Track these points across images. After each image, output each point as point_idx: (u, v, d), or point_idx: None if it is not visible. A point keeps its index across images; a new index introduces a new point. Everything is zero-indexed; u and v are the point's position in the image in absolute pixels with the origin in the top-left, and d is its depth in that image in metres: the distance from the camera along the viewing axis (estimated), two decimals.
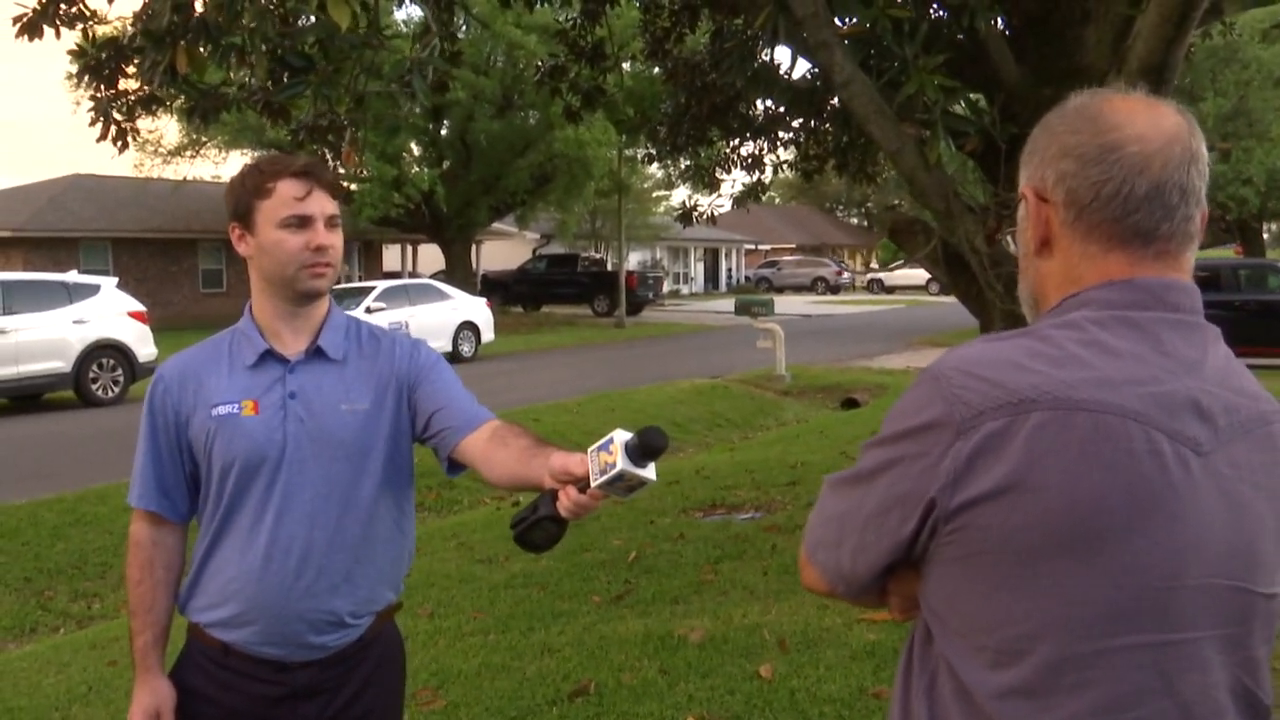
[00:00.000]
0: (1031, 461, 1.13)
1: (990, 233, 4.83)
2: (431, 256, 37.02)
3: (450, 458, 2.12)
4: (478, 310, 22.04)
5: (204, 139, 29.32)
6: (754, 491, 8.45)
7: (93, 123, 5.86)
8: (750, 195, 10.26)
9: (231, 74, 5.46)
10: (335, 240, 2.13)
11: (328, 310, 2.21)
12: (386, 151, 26.72)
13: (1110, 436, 1.13)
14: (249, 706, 2.12)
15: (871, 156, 8.74)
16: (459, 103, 27.05)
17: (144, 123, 6.54)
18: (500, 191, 30.64)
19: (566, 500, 1.73)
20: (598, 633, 5.08)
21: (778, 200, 70.50)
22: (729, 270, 56.33)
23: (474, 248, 35.37)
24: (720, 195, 10.62)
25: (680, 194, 61.12)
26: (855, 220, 75.27)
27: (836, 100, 7.31)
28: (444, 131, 30.60)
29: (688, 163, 10.14)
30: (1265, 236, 43.77)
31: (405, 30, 21.18)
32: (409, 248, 38.29)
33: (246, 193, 2.11)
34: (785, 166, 10.77)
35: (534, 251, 40.94)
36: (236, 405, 2.11)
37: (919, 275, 44.34)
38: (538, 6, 8.58)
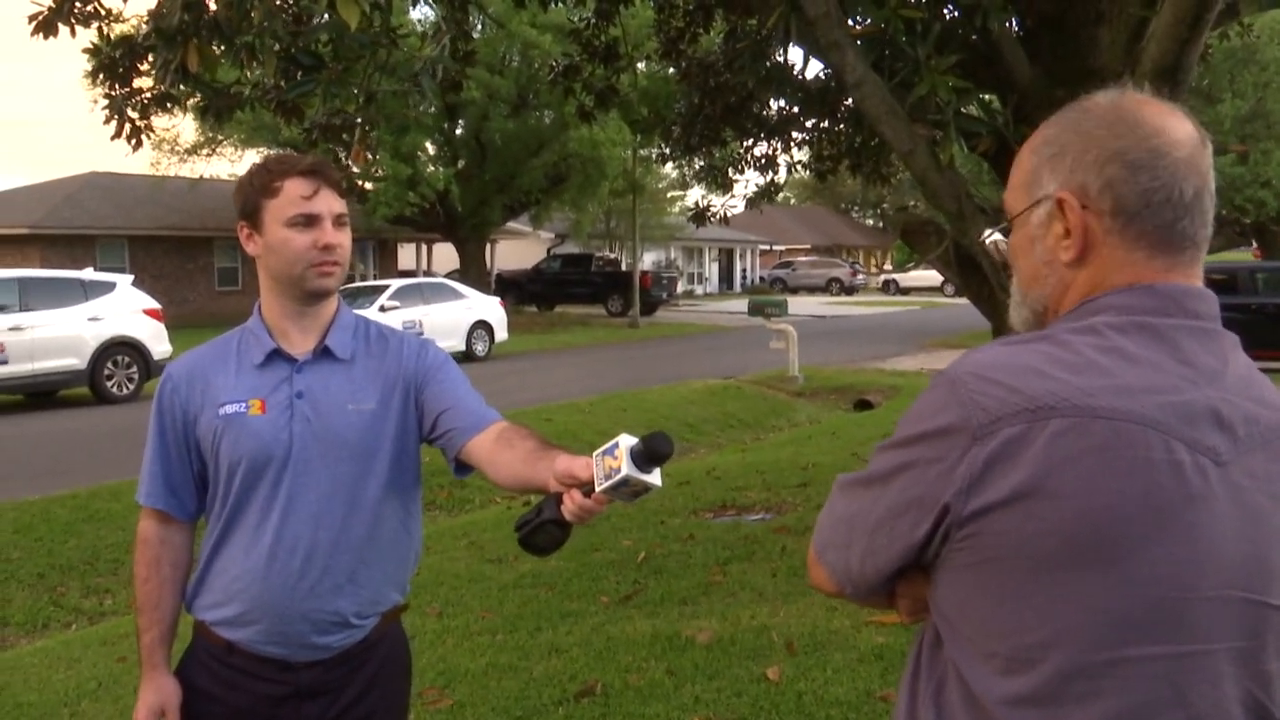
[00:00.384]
0: (1049, 469, 1.12)
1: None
2: (446, 255, 37.10)
3: (457, 459, 2.12)
4: (492, 309, 22.06)
5: (220, 137, 29.47)
6: (765, 493, 8.43)
7: (107, 120, 5.88)
8: (764, 196, 10.25)
9: (247, 73, 5.48)
10: (343, 239, 2.13)
11: (336, 310, 2.21)
12: (401, 150, 26.78)
13: (1129, 445, 1.12)
14: (253, 705, 2.12)
15: (885, 157, 8.72)
16: (474, 102, 27.10)
17: (160, 121, 6.58)
18: (515, 191, 30.68)
19: (571, 504, 1.73)
20: (605, 633, 5.08)
21: (792, 201, 70.44)
22: (743, 271, 56.28)
23: (488, 247, 35.42)
24: (733, 196, 10.62)
25: (694, 194, 61.11)
26: (870, 221, 75.12)
27: (849, 101, 7.29)
28: (459, 131, 30.67)
29: (701, 163, 10.13)
30: None
31: (420, 29, 21.21)
32: (424, 247, 38.37)
33: (254, 192, 2.11)
34: (799, 167, 10.75)
35: (548, 251, 40.98)
36: (243, 404, 2.11)
37: (934, 276, 44.20)
38: (552, 6, 8.59)
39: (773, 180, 10.08)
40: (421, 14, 24.50)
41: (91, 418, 13.90)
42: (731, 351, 22.01)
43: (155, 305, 16.15)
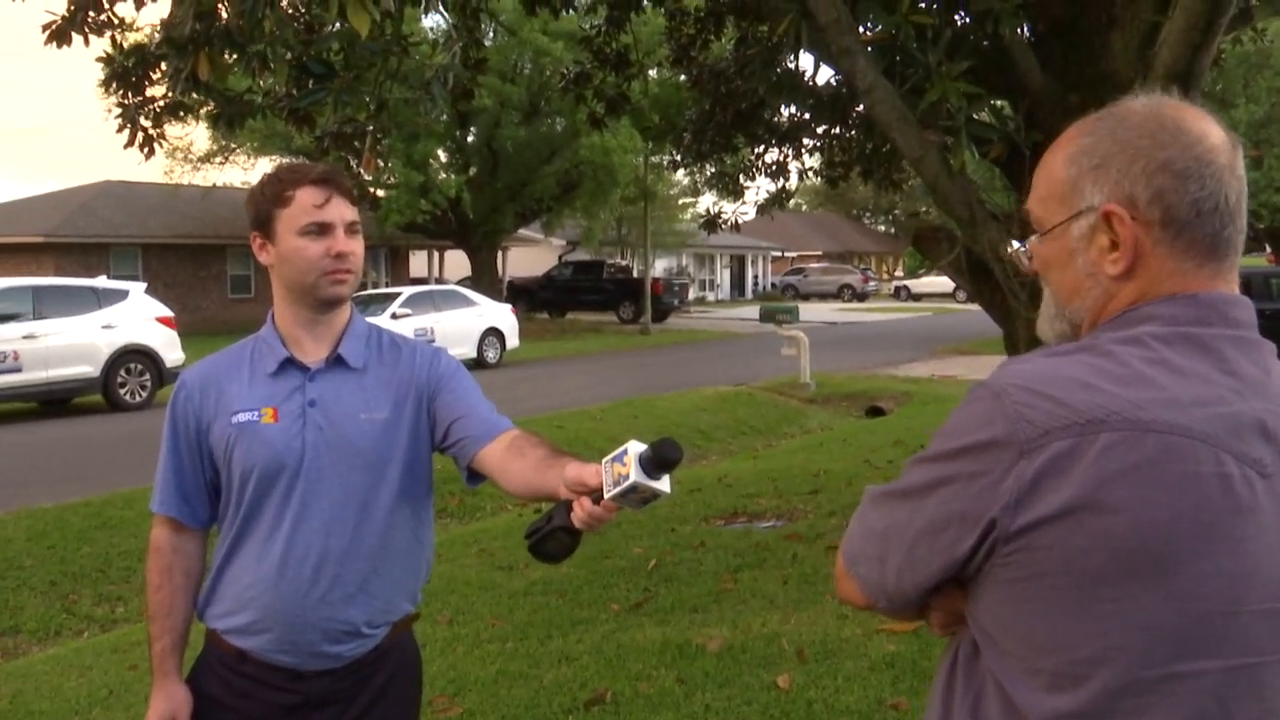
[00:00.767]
0: (1100, 483, 1.10)
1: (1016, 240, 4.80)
2: (458, 262, 37.17)
3: (469, 467, 2.11)
4: (503, 316, 22.09)
5: (233, 145, 29.61)
6: (776, 500, 8.42)
7: (120, 129, 5.91)
8: (774, 202, 10.24)
9: (260, 81, 5.50)
10: (356, 247, 2.13)
11: (349, 318, 2.22)
12: (413, 158, 26.87)
13: (1179, 459, 1.10)
14: (264, 713, 2.12)
15: (896, 164, 8.71)
16: (486, 109, 27.16)
17: (172, 129, 6.62)
18: (526, 198, 30.75)
19: (580, 511, 1.72)
20: (616, 641, 5.07)
21: (804, 207, 70.41)
22: (755, 277, 56.24)
23: (500, 254, 35.48)
24: (744, 202, 10.62)
25: (706, 201, 61.14)
26: (882, 228, 75.01)
27: (861, 107, 7.29)
28: (471, 138, 30.73)
29: (713, 170, 10.14)
30: None
31: (432, 37, 21.27)
32: (435, 254, 38.45)
33: (266, 202, 2.11)
34: (810, 173, 10.74)
35: (560, 258, 41.02)
36: (256, 413, 2.11)
37: (946, 283, 44.14)
38: (564, 13, 8.61)
39: (784, 187, 10.06)
40: (434, 22, 24.57)
41: (105, 425, 13.95)
42: (743, 358, 22.00)
43: (168, 313, 16.21)
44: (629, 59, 8.61)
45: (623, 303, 34.75)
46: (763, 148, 9.68)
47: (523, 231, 36.44)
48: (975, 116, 4.92)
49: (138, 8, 5.78)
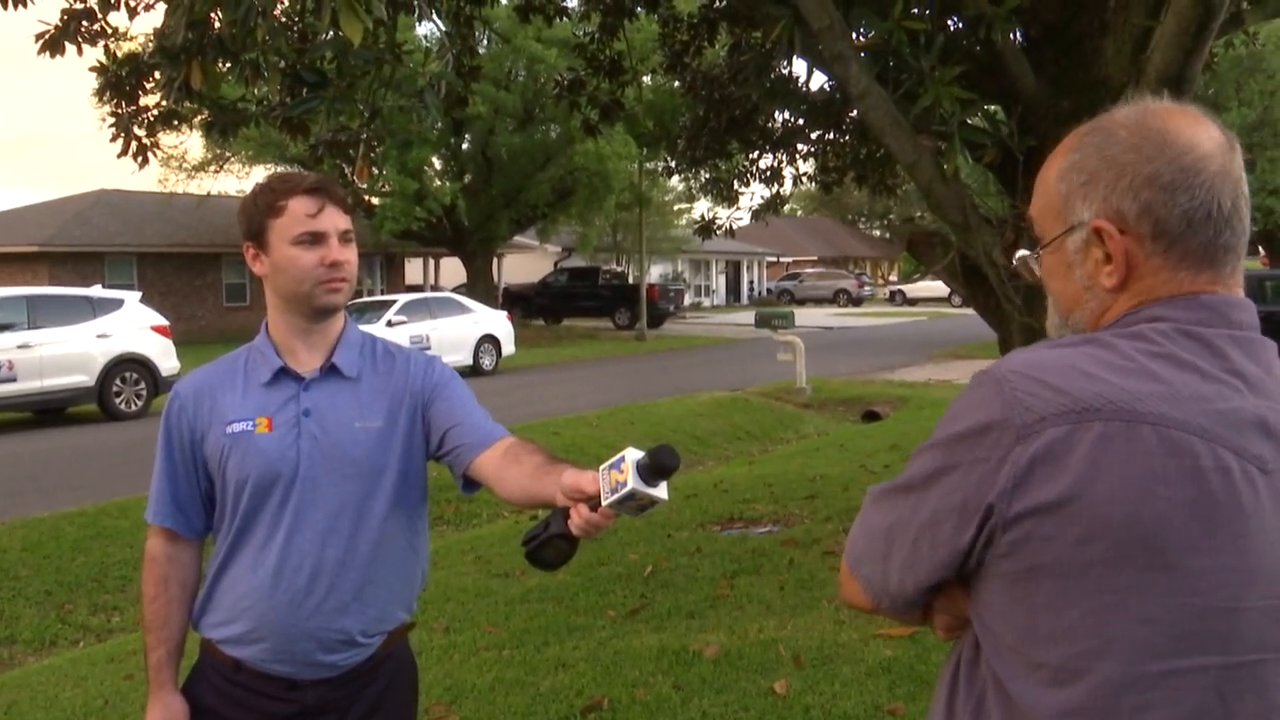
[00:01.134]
0: (1094, 474, 1.10)
1: (1008, 245, 4.80)
2: (453, 270, 37.16)
3: (465, 475, 2.11)
4: (499, 323, 22.08)
5: (228, 154, 29.59)
6: (772, 505, 8.41)
7: (113, 138, 5.92)
8: (769, 208, 10.25)
9: (254, 90, 5.51)
10: (350, 255, 2.13)
11: (343, 327, 2.22)
12: (408, 166, 26.87)
13: (1176, 452, 1.11)
14: None
15: (890, 169, 8.72)
16: (480, 117, 27.17)
17: (167, 138, 6.61)
18: (521, 205, 30.76)
19: (578, 518, 1.72)
20: (612, 648, 5.06)
21: (799, 213, 70.47)
22: (751, 283, 56.28)
23: (495, 261, 35.48)
24: (739, 208, 10.62)
25: (701, 207, 61.17)
26: (877, 232, 75.09)
27: (854, 113, 7.30)
28: (465, 145, 30.75)
29: (707, 176, 10.15)
30: None
31: (427, 45, 21.28)
32: (431, 261, 38.45)
33: (259, 212, 2.11)
34: (804, 179, 10.76)
35: (555, 265, 41.04)
36: (251, 422, 2.11)
37: (941, 287, 44.11)
38: (558, 21, 8.62)
39: (778, 192, 10.08)
40: (428, 29, 24.59)
41: (100, 434, 13.93)
42: (739, 363, 22.00)
43: (163, 322, 16.19)
44: (623, 65, 8.62)
45: (618, 309, 34.76)
46: (757, 153, 9.68)
47: (518, 238, 36.45)
48: (968, 121, 4.93)
49: (131, 17, 5.79)
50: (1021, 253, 1.41)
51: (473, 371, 20.59)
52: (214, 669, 2.15)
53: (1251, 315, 1.23)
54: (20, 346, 14.20)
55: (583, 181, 30.03)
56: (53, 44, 5.67)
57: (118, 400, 15.24)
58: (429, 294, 25.25)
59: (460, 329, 20.88)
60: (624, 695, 4.45)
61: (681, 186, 35.10)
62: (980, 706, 1.25)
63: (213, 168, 31.12)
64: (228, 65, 4.93)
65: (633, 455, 1.66)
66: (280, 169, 24.96)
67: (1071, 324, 1.32)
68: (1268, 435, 1.16)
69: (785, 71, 7.62)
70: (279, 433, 2.09)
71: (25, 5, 5.71)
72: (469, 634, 5.47)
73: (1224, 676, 1.13)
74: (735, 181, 10.14)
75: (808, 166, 9.94)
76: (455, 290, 28.74)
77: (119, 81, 5.73)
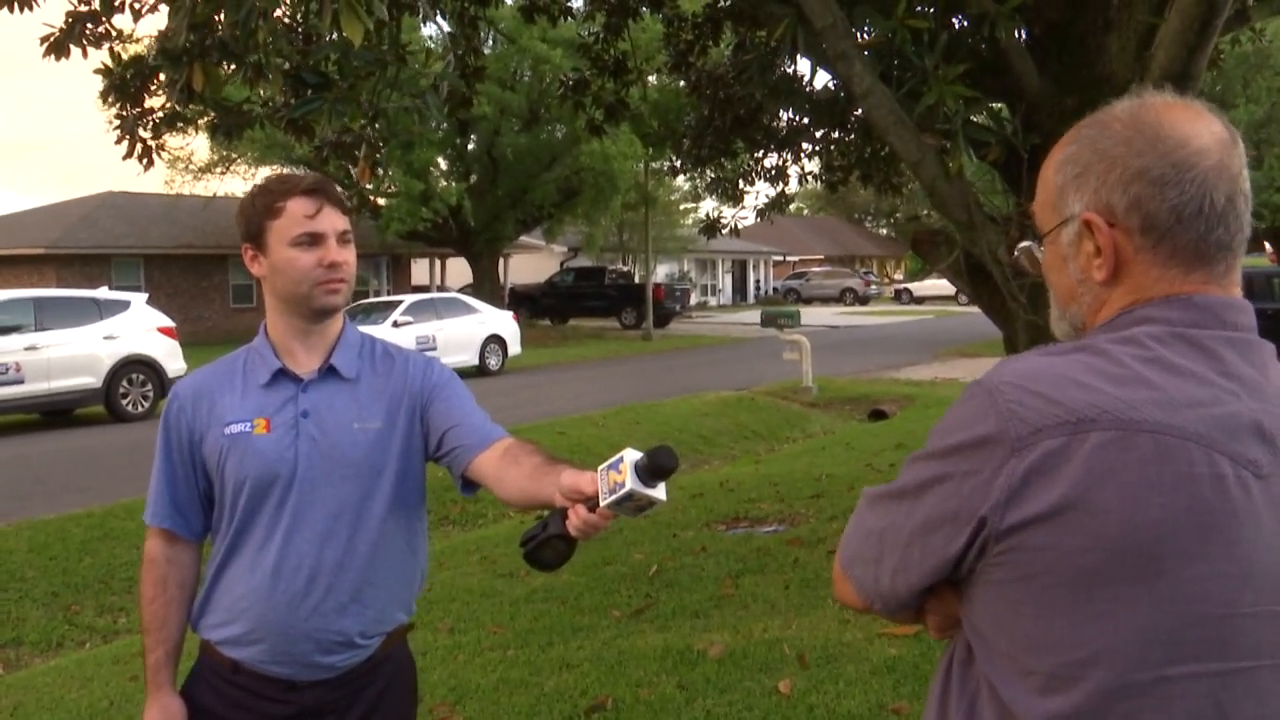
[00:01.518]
0: (1090, 483, 1.09)
1: (1013, 244, 4.79)
2: (459, 270, 37.20)
3: (464, 476, 2.11)
4: (505, 323, 22.09)
5: (234, 155, 29.63)
6: (778, 504, 8.40)
7: (118, 141, 5.92)
8: (774, 207, 10.23)
9: (261, 91, 5.51)
10: (348, 256, 2.13)
11: (342, 328, 2.21)
12: (414, 166, 26.89)
13: (1172, 459, 1.10)
14: None
15: (895, 167, 8.70)
16: (486, 117, 27.19)
17: (173, 140, 6.63)
18: (527, 205, 30.76)
19: (576, 519, 1.72)
20: (617, 648, 5.06)
21: (806, 212, 70.46)
22: (757, 282, 56.25)
23: (501, 261, 35.50)
24: (743, 208, 10.60)
25: (707, 206, 61.16)
26: (884, 231, 74.98)
27: (859, 111, 7.28)
28: (471, 146, 30.77)
29: (712, 175, 10.14)
30: None
31: (432, 46, 21.28)
32: (437, 261, 38.49)
33: (257, 214, 2.12)
34: (809, 178, 10.74)
35: (561, 265, 41.06)
36: (249, 424, 2.11)
37: (948, 286, 44.04)
38: (562, 21, 8.61)
39: (783, 191, 10.06)
40: (433, 30, 24.61)
41: (107, 436, 13.96)
42: (745, 363, 21.99)
43: (169, 323, 16.22)
44: (627, 65, 8.62)
45: (624, 308, 34.78)
46: (761, 152, 9.67)
47: (524, 238, 36.45)
48: (972, 119, 4.92)
49: (135, 19, 5.80)
50: (1023, 243, 1.41)
51: (479, 372, 20.60)
52: (213, 670, 2.15)
53: (1248, 316, 1.22)
54: (27, 348, 14.24)
55: (588, 181, 30.02)
56: (58, 46, 5.68)
57: (124, 402, 15.28)
58: (435, 294, 25.29)
59: (466, 329, 20.89)
60: (628, 695, 4.44)
61: (687, 186, 35.06)
62: (973, 708, 1.24)
63: (219, 169, 31.17)
64: (233, 67, 4.94)
65: (631, 456, 1.65)
66: (287, 170, 25.02)
67: (1069, 317, 1.32)
68: (1263, 439, 1.15)
69: (789, 70, 7.60)
70: (277, 434, 2.09)
71: (30, 8, 5.73)
72: (474, 634, 5.47)
73: (1219, 684, 1.12)
74: (740, 181, 10.13)
75: (813, 165, 9.93)
76: (461, 291, 28.77)
77: (124, 84, 5.73)
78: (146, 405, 15.47)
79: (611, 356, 25.62)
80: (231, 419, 2.12)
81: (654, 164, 28.94)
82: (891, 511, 1.28)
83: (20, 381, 14.17)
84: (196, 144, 30.44)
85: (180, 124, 6.23)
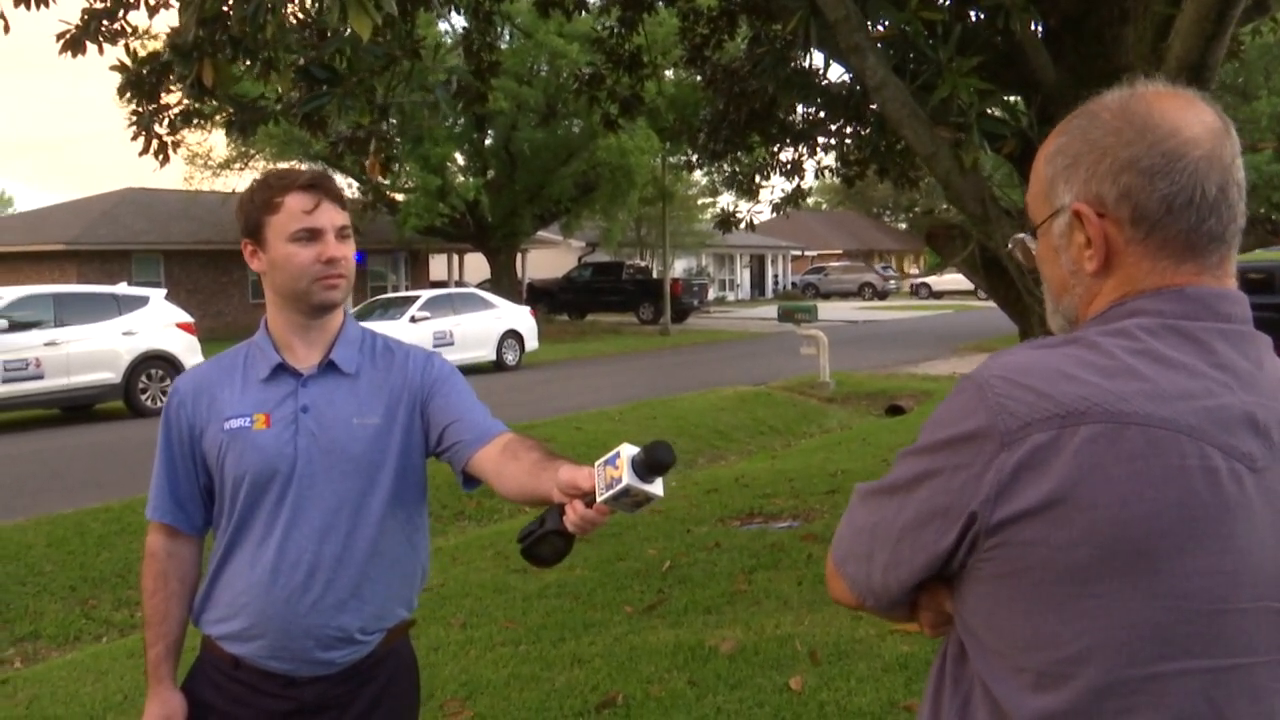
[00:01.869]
0: (1080, 477, 1.08)
1: None
2: (477, 265, 37.26)
3: (464, 471, 2.10)
4: (522, 319, 22.11)
5: (252, 151, 29.74)
6: (792, 500, 8.38)
7: (134, 137, 5.95)
8: (790, 201, 10.20)
9: (271, 87, 5.52)
10: (347, 251, 2.13)
11: (342, 323, 2.21)
12: (431, 161, 26.93)
13: (1163, 452, 1.08)
14: None
15: (912, 161, 8.65)
16: (503, 112, 27.19)
17: (191, 136, 6.64)
18: (544, 200, 30.77)
19: (573, 514, 1.72)
20: (628, 643, 5.05)
21: (824, 206, 70.27)
22: (775, 276, 56.13)
23: (519, 256, 35.54)
24: (760, 202, 10.59)
25: (724, 200, 61.03)
26: (903, 225, 74.69)
27: (874, 104, 7.25)
28: (488, 141, 30.78)
29: (728, 169, 10.12)
30: None
31: (448, 42, 21.30)
32: (454, 257, 38.55)
33: (255, 209, 2.11)
34: (826, 172, 10.70)
35: (579, 259, 41.07)
36: (248, 419, 2.11)
37: (967, 280, 43.86)
38: (577, 15, 8.60)
39: (799, 185, 10.03)
40: (449, 25, 24.61)
41: (126, 431, 14.04)
42: (763, 358, 21.95)
43: (188, 319, 16.30)
44: (642, 60, 8.61)
45: (642, 303, 34.77)
46: (777, 146, 9.64)
47: (541, 233, 36.49)
48: (987, 112, 4.88)
49: (151, 15, 5.82)
50: (1017, 235, 1.39)
51: (496, 367, 20.63)
52: (213, 665, 2.15)
53: (1242, 308, 1.20)
54: (47, 344, 14.34)
55: (606, 176, 29.99)
56: (74, 43, 5.71)
57: (143, 397, 15.36)
58: (453, 290, 25.31)
59: (484, 324, 20.92)
60: (639, 691, 4.43)
61: (705, 181, 35.03)
62: (966, 705, 1.23)
63: (237, 165, 31.30)
64: (248, 63, 4.95)
65: (628, 451, 1.65)
66: (304, 166, 25.10)
67: (1062, 309, 1.31)
68: (1257, 432, 1.12)
69: (803, 64, 7.57)
70: (276, 429, 2.09)
71: (47, 5, 5.75)
72: (486, 629, 5.47)
73: (1212, 681, 1.10)
74: (756, 175, 10.11)
75: (829, 159, 9.90)
76: (479, 286, 28.83)
77: (139, 80, 5.75)
78: (165, 400, 15.54)
79: (629, 352, 25.61)
80: (231, 414, 2.12)
81: (671, 159, 28.94)
82: (883, 507, 1.27)
83: (40, 377, 14.28)
84: (215, 140, 30.63)
85: (196, 120, 6.25)
